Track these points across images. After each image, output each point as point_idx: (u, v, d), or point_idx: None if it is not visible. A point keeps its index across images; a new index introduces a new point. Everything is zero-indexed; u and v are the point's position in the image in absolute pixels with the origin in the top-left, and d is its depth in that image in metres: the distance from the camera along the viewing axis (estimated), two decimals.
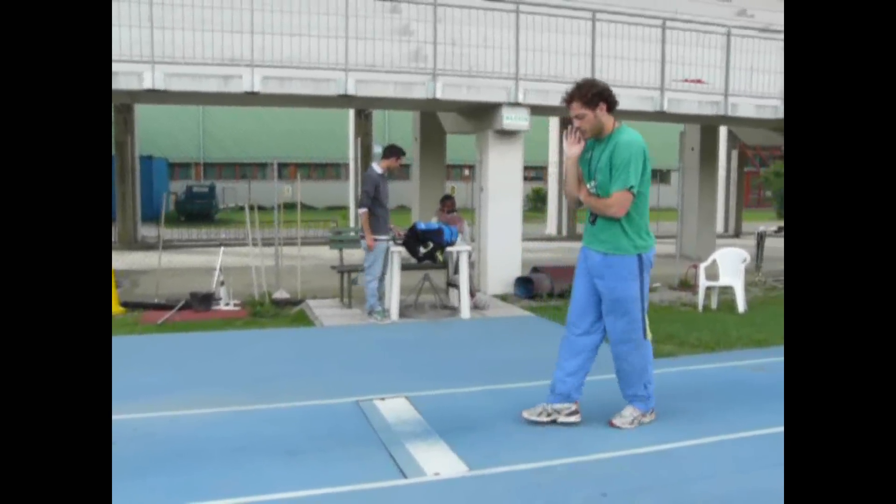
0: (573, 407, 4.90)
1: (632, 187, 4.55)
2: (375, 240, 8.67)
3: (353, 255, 11.39)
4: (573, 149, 4.75)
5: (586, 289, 4.85)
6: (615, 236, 4.66)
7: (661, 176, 30.89)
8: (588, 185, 4.76)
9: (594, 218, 4.75)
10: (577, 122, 4.68)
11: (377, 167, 8.90)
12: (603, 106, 4.60)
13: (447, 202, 10.62)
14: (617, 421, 4.84)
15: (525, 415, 4.87)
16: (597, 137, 4.71)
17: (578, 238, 19.95)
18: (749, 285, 11.52)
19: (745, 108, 13.06)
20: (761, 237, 13.55)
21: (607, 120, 4.66)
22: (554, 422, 4.84)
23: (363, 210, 8.66)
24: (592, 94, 4.60)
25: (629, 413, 4.87)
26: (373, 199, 8.67)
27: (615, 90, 11.93)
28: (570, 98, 4.66)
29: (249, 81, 10.00)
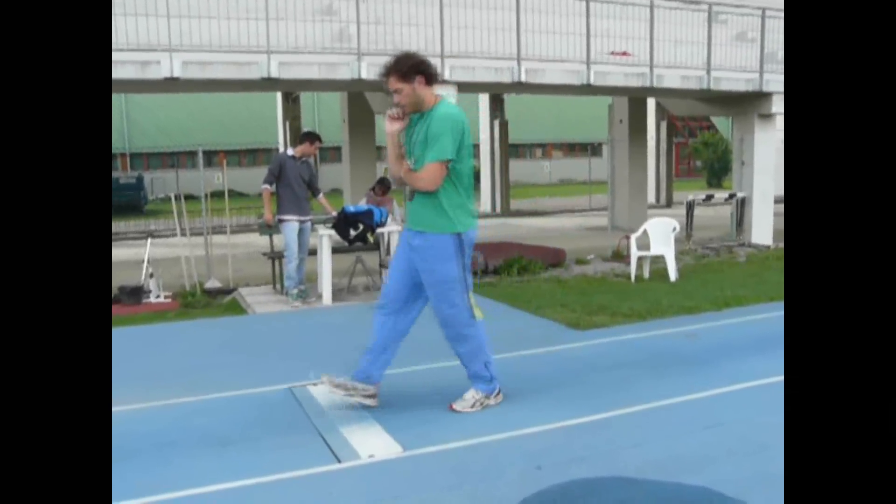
0: (371, 390, 4.77)
1: (447, 161, 4.41)
2: (280, 220, 8.79)
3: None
4: (393, 126, 4.54)
5: (403, 268, 4.69)
6: (434, 214, 4.51)
7: (591, 149, 31.21)
8: (409, 162, 4.58)
9: (412, 195, 4.60)
10: (395, 97, 4.49)
11: (290, 150, 9.08)
12: (420, 79, 4.45)
13: (381, 186, 10.54)
14: (457, 405, 4.72)
15: (324, 379, 4.80)
16: (418, 112, 4.54)
17: (512, 215, 20.18)
18: (680, 254, 11.71)
19: (671, 80, 13.21)
20: (690, 206, 13.77)
21: (426, 94, 4.49)
22: (350, 396, 4.74)
23: (264, 187, 8.81)
24: (409, 67, 4.45)
25: (470, 396, 4.75)
26: (278, 179, 8.74)
27: (542, 64, 11.96)
28: (386, 72, 4.49)
29: (168, 67, 9.72)
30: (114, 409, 4.91)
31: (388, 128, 4.56)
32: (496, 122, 25.36)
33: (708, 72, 13.38)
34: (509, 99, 26.16)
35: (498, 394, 4.83)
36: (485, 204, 25.84)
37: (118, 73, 9.58)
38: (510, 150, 26.72)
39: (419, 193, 4.52)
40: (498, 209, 24.85)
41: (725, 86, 13.60)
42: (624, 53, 13.03)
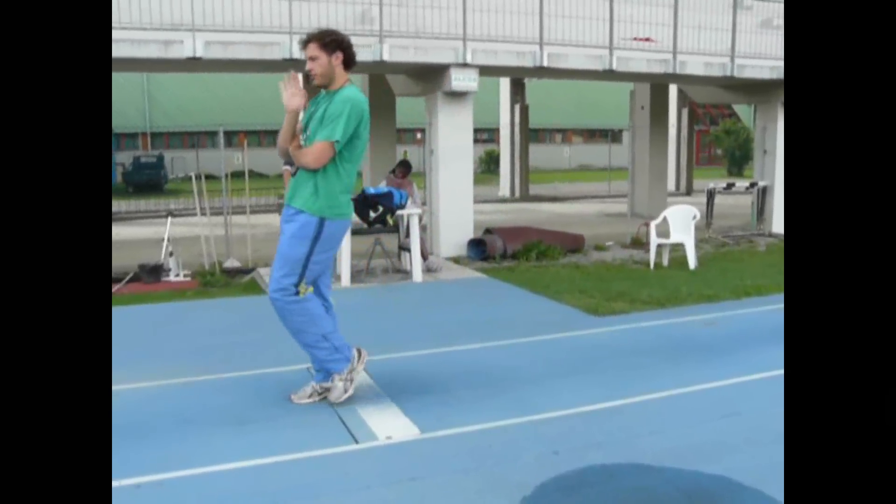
0: None
1: (336, 142, 4.31)
2: None
3: None
4: (294, 100, 4.40)
5: None
6: (307, 193, 4.40)
7: (612, 135, 31.05)
8: (301, 138, 4.50)
9: (296, 170, 4.51)
10: (309, 65, 4.43)
11: None
12: (339, 55, 4.42)
13: (402, 168, 10.51)
14: (333, 396, 4.57)
15: (294, 399, 4.67)
16: (325, 89, 4.49)
17: (532, 199, 20.11)
18: (700, 242, 11.64)
19: (694, 66, 13.09)
20: (711, 194, 13.68)
21: (339, 73, 4.45)
22: (325, 399, 4.64)
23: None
24: (332, 40, 4.42)
25: (337, 381, 4.59)
26: None
27: (565, 49, 11.89)
28: (308, 39, 4.44)
29: (191, 47, 9.74)
30: (132, 385, 4.98)
31: (289, 103, 4.40)
32: (517, 107, 25.26)
33: (732, 59, 13.24)
34: (530, 83, 26.03)
35: (359, 359, 4.67)
36: (504, 188, 25.80)
37: (141, 52, 9.63)
38: (530, 134, 26.62)
39: (302, 170, 4.44)
40: (517, 194, 24.80)
41: (749, 73, 13.46)
42: (647, 39, 12.92)
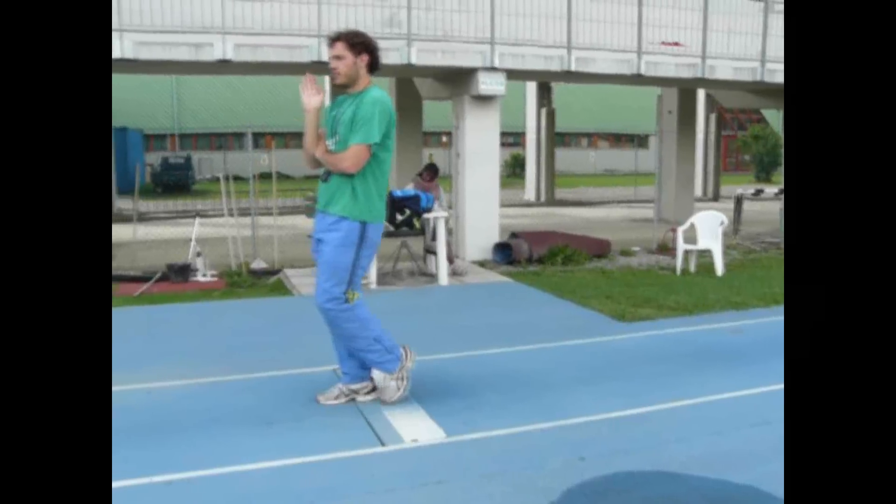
0: (369, 385, 4.72)
1: (372, 144, 4.33)
2: None
3: None
4: (313, 100, 4.42)
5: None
6: (345, 198, 4.41)
7: (639, 140, 30.90)
8: (328, 143, 4.49)
9: (327, 175, 4.51)
10: (333, 63, 4.42)
11: None
12: (365, 57, 4.43)
13: (429, 171, 10.52)
14: (387, 396, 4.61)
15: (321, 400, 4.70)
16: (348, 90, 4.49)
17: (557, 204, 20.04)
18: (727, 248, 11.56)
19: (723, 71, 13.01)
20: (739, 200, 13.58)
21: (364, 74, 4.46)
22: (353, 400, 4.67)
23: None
24: (360, 41, 4.44)
25: (389, 381, 4.61)
26: None
27: (593, 53, 11.84)
28: (336, 37, 4.45)
29: (221, 49, 9.83)
30: (159, 384, 5.04)
31: (309, 102, 4.43)
32: (543, 111, 25.20)
33: (762, 63, 13.15)
34: (557, 87, 25.97)
35: (410, 358, 4.68)
36: (529, 192, 25.73)
37: (172, 54, 9.74)
38: (556, 138, 26.53)
39: (336, 175, 4.43)
40: (543, 198, 24.73)
41: (780, 78, 13.35)
42: (676, 43, 12.85)
